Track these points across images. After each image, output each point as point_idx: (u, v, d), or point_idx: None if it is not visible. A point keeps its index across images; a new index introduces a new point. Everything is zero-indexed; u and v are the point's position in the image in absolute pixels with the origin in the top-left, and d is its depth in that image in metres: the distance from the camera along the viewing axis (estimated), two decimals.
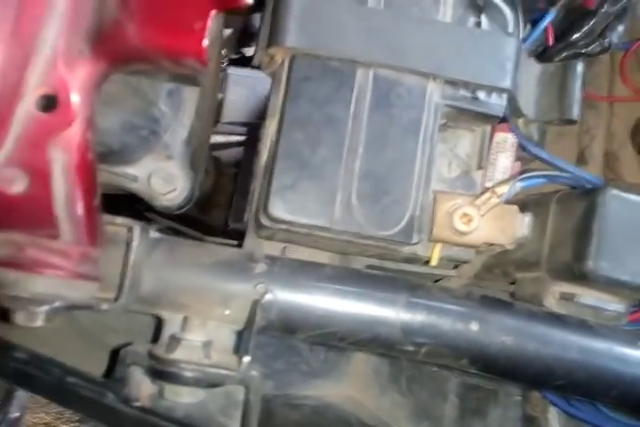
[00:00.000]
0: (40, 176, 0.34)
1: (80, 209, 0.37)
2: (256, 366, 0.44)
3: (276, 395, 0.68)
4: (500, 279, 0.61)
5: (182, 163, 0.56)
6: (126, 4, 0.32)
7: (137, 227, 0.43)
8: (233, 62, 1.67)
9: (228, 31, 1.46)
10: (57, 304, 0.38)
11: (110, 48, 0.33)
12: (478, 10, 0.52)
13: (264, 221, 0.51)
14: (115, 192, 0.63)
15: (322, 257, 0.58)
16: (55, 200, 0.35)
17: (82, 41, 0.33)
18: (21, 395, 1.30)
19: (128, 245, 0.44)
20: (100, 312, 0.57)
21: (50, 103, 0.33)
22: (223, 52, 1.64)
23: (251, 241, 0.60)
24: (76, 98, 0.33)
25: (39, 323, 0.38)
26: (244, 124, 1.71)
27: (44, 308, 0.37)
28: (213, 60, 0.59)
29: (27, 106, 0.33)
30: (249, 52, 1.53)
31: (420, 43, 0.50)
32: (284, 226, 0.51)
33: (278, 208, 0.49)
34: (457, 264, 0.59)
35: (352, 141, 0.50)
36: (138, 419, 0.46)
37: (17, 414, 1.28)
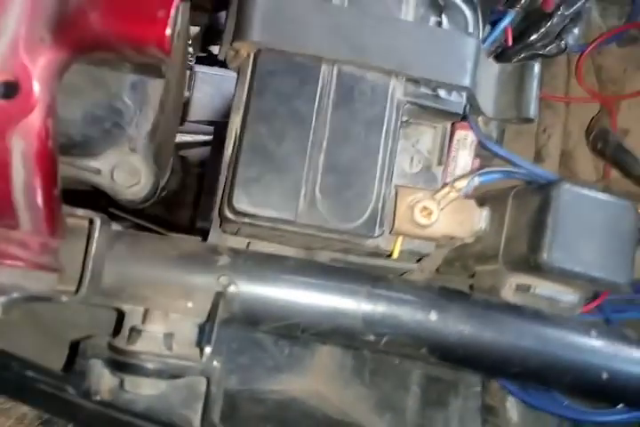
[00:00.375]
0: (2, 166, 0.34)
1: (39, 198, 0.36)
2: (218, 357, 0.44)
3: (240, 390, 0.68)
4: (460, 273, 0.62)
5: (146, 156, 0.56)
6: None
7: (98, 219, 0.43)
8: (199, 61, 1.66)
9: (195, 29, 1.46)
10: (15, 295, 0.38)
11: (73, 36, 0.33)
12: (439, 10, 0.54)
13: (228, 214, 0.51)
14: (77, 187, 0.62)
15: (286, 252, 0.59)
16: (14, 189, 0.35)
17: (44, 28, 0.32)
18: None
19: (89, 237, 0.43)
20: (60, 304, 0.56)
21: (10, 90, 0.33)
22: (190, 49, 1.63)
23: (215, 235, 0.60)
24: (37, 85, 0.33)
25: None
26: (210, 123, 1.70)
27: (1, 299, 0.37)
28: (179, 53, 0.59)
29: None
30: (215, 50, 1.53)
31: (382, 40, 0.51)
32: (248, 219, 0.51)
33: (242, 201, 0.49)
34: (419, 258, 0.61)
35: (316, 136, 0.51)
36: (99, 413, 0.46)
37: None
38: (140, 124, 0.55)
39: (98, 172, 0.55)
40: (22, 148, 0.34)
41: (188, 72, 1.64)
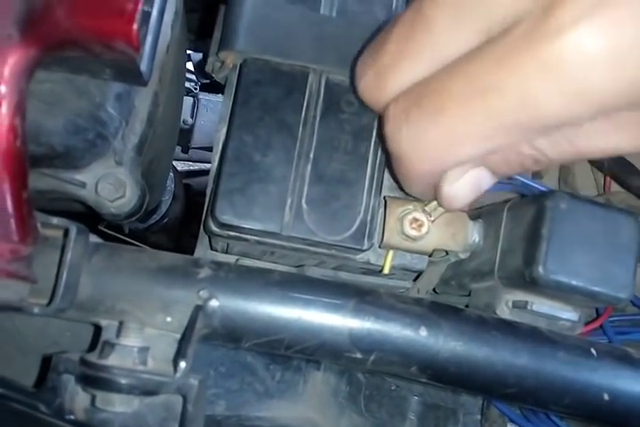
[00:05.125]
0: None
1: (8, 201, 0.35)
2: (196, 375, 0.42)
3: (227, 416, 0.65)
4: (457, 292, 0.60)
5: (132, 170, 0.55)
6: None
7: (74, 228, 0.42)
8: (203, 88, 1.68)
9: (198, 56, 1.48)
10: None
11: (41, 32, 0.32)
12: None
13: (212, 226, 0.50)
14: (61, 207, 0.61)
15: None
16: None
17: (10, 25, 0.32)
18: None
19: (64, 246, 0.42)
20: (43, 323, 0.54)
21: None
22: (194, 77, 1.65)
23: (201, 250, 0.59)
24: (4, 83, 0.32)
25: None
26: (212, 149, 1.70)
27: None
28: (169, 68, 0.59)
29: None
30: None
31: None
32: (232, 232, 0.50)
33: (226, 212, 0.48)
34: (415, 277, 0.59)
35: (303, 146, 0.49)
36: None
37: None
38: (126, 137, 0.54)
39: (82, 185, 0.54)
40: None
41: (191, 99, 1.66)
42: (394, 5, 0.53)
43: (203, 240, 0.58)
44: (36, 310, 0.41)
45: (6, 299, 0.38)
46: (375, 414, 0.68)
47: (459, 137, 0.35)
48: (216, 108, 1.66)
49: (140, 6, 0.30)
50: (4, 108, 0.32)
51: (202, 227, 0.55)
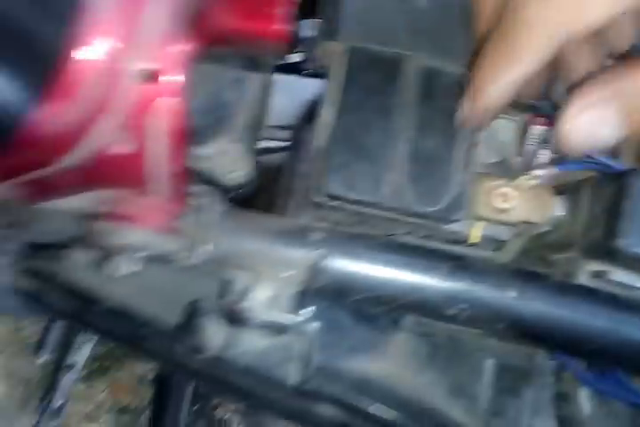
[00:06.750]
0: (142, 139, 0.40)
1: (171, 169, 0.43)
2: (316, 322, 0.49)
3: (320, 367, 0.73)
4: (535, 264, 0.64)
5: (245, 146, 0.62)
6: None
7: (212, 194, 0.49)
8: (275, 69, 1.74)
9: None
10: (146, 253, 0.45)
11: (204, 30, 0.39)
12: None
13: (319, 198, 0.57)
14: None
15: None
16: (151, 161, 0.42)
17: (179, 23, 0.39)
18: (66, 382, 1.34)
19: (202, 210, 0.50)
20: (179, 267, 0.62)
21: (152, 76, 0.39)
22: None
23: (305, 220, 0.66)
24: (173, 72, 0.39)
25: (135, 268, 0.44)
26: (286, 128, 1.77)
27: (143, 254, 0.44)
28: None
29: (131, 79, 0.39)
30: (292, 58, 1.61)
31: (461, 39, 0.56)
32: (337, 203, 0.56)
33: (334, 184, 0.54)
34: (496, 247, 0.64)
35: (400, 127, 0.55)
36: (207, 367, 0.52)
37: (60, 402, 1.31)
38: (240, 117, 0.61)
39: (204, 158, 0.62)
40: (160, 126, 0.40)
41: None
42: None
43: (305, 211, 0.65)
44: (185, 261, 0.49)
45: (166, 250, 0.46)
46: (452, 373, 0.74)
47: None
48: (288, 88, 1.72)
49: (292, 10, 0.36)
50: (174, 94, 0.39)
51: (303, 199, 0.62)
